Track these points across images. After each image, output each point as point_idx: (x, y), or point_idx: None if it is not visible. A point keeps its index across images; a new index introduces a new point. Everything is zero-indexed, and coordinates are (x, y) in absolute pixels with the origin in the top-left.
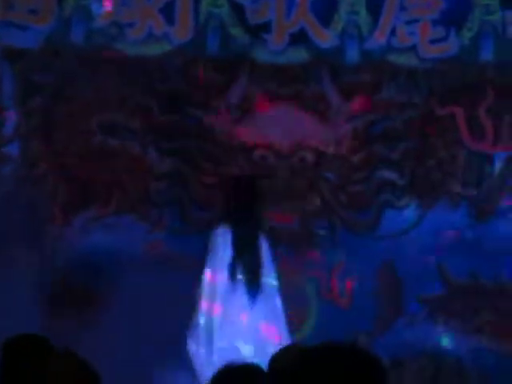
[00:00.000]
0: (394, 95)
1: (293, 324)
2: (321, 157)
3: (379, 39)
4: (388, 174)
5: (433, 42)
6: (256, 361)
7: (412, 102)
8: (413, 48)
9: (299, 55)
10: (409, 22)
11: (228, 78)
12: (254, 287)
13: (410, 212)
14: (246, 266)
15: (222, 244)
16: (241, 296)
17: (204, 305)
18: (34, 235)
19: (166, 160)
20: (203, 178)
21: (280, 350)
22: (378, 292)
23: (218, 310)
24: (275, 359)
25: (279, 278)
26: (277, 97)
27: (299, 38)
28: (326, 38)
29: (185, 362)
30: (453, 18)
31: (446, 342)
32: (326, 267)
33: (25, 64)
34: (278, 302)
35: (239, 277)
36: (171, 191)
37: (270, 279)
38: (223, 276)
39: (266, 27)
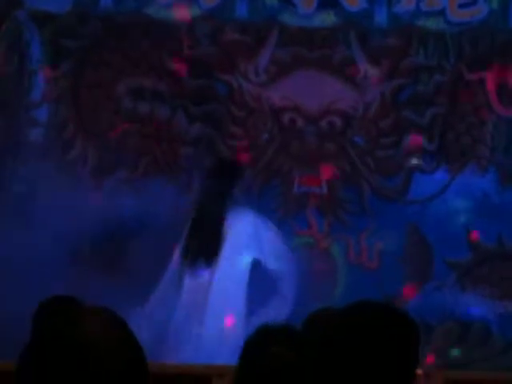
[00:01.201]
0: (423, 60)
1: (322, 289)
2: (349, 121)
3: (408, 3)
4: (417, 140)
5: (461, 6)
6: None
7: (441, 67)
8: (441, 12)
9: (328, 19)
10: None
11: (256, 43)
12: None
13: (439, 176)
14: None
15: None
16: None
17: None
18: (62, 199)
19: (195, 125)
20: (232, 143)
21: (314, 312)
22: (407, 256)
23: None
24: (310, 322)
25: (308, 242)
26: (305, 61)
27: (328, 1)
28: (354, 2)
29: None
30: None
31: (473, 306)
32: (355, 232)
33: (53, 28)
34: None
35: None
36: (200, 156)
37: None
38: None
39: None
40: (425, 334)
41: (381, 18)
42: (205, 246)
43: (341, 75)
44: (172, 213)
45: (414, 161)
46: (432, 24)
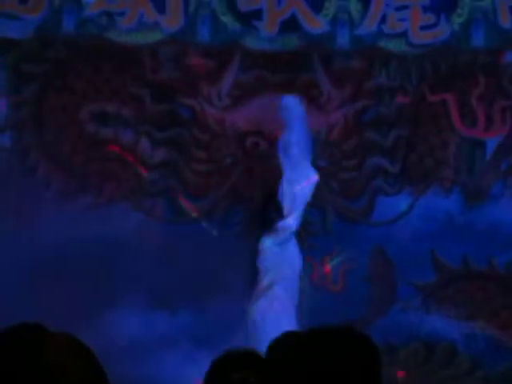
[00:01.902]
0: (385, 82)
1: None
2: (312, 144)
3: (370, 25)
4: (380, 161)
5: (423, 28)
6: None
7: (403, 89)
8: (403, 34)
9: (290, 42)
10: (399, 8)
11: (219, 66)
12: None
13: (403, 199)
14: None
15: None
16: None
17: None
18: (26, 224)
19: (159, 149)
20: (196, 167)
21: (277, 337)
22: (371, 279)
23: None
24: (273, 347)
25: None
26: (268, 84)
27: (290, 24)
28: (317, 25)
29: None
30: (443, 4)
31: (438, 327)
32: (319, 254)
33: (16, 54)
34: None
35: None
36: (164, 181)
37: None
38: None
39: (257, 14)
40: (390, 356)
41: (343, 40)
42: None
43: (304, 98)
44: (137, 237)
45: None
46: (394, 46)
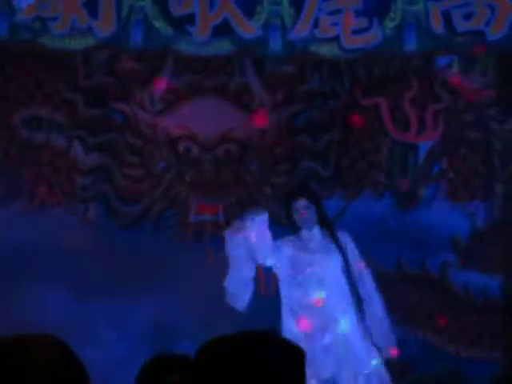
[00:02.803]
0: (318, 86)
1: (218, 316)
2: (245, 148)
3: (302, 30)
4: (312, 165)
5: (355, 32)
6: None
7: (335, 93)
8: (336, 38)
9: (223, 47)
10: (331, 13)
11: (152, 71)
12: None
13: (335, 202)
14: None
15: None
16: None
17: None
18: None
19: (92, 154)
20: (129, 172)
21: (207, 340)
22: None
23: None
24: (200, 351)
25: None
26: (201, 88)
27: (223, 29)
28: (249, 30)
29: None
30: (376, 8)
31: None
32: None
33: None
34: None
35: None
36: (97, 185)
37: None
38: None
39: (189, 19)
40: None
41: (276, 45)
42: None
43: (237, 103)
44: (69, 242)
45: None
46: (326, 50)
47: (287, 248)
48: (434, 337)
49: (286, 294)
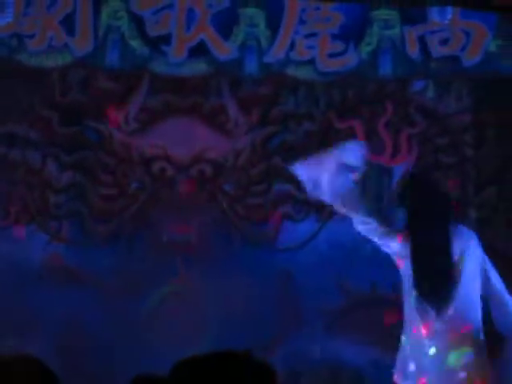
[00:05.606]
0: (293, 108)
1: (191, 336)
2: (220, 169)
3: (278, 52)
4: (287, 187)
5: (331, 55)
6: None
7: (311, 115)
8: (312, 61)
9: (199, 67)
10: (308, 36)
11: (127, 90)
12: None
13: (309, 224)
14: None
15: None
16: None
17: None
18: None
19: (66, 172)
20: (103, 191)
21: (181, 359)
22: (278, 304)
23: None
24: (174, 370)
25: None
26: (176, 109)
27: (199, 50)
28: (225, 51)
29: None
30: (352, 33)
31: (344, 353)
32: (226, 279)
33: None
34: None
35: None
36: (70, 203)
37: None
38: None
39: (165, 39)
40: (294, 381)
41: (251, 66)
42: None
43: (212, 123)
44: (42, 260)
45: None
46: (302, 73)
47: None
48: None
49: None
